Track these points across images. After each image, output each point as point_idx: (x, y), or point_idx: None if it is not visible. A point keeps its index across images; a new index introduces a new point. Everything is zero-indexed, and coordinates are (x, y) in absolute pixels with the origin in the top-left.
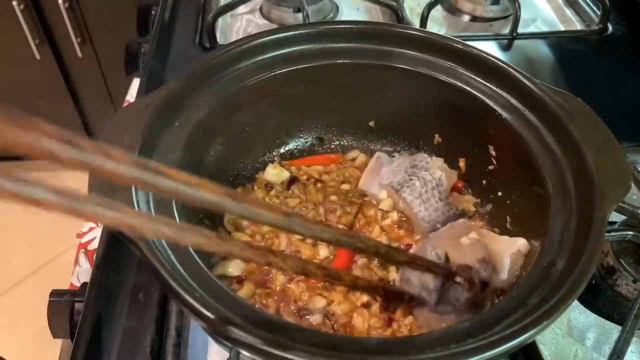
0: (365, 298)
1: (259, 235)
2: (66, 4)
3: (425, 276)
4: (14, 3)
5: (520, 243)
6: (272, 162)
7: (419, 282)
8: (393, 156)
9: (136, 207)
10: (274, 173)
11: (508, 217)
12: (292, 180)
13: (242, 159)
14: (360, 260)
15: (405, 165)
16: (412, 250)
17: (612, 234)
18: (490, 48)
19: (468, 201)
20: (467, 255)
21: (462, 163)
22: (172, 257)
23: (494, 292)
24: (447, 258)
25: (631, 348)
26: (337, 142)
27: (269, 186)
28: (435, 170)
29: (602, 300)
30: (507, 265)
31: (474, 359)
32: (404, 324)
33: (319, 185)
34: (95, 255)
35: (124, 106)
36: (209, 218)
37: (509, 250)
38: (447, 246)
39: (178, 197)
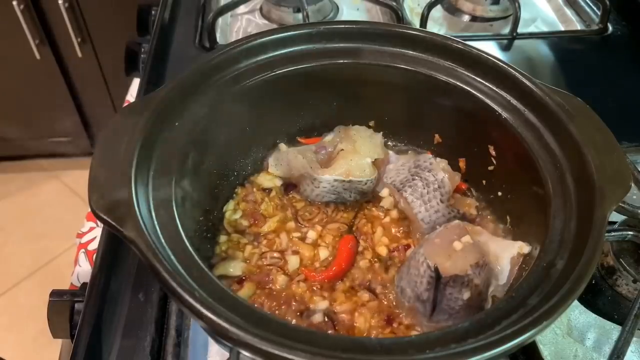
0: (366, 296)
1: (259, 234)
2: (66, 4)
3: (419, 287)
4: (14, 3)
5: (519, 245)
6: None
7: (413, 294)
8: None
9: (136, 208)
10: (268, 178)
11: (508, 217)
12: (294, 185)
13: (242, 159)
14: (362, 261)
15: (409, 165)
16: (408, 252)
17: (612, 234)
18: (490, 48)
19: (470, 204)
20: (460, 261)
21: (462, 163)
22: (172, 257)
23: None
24: (437, 270)
25: (631, 348)
26: None
27: (266, 190)
28: (439, 171)
29: (602, 300)
30: (507, 269)
31: (474, 359)
32: (404, 324)
33: None
34: (95, 255)
35: (124, 106)
36: (209, 220)
37: (508, 253)
38: (438, 253)
39: None
